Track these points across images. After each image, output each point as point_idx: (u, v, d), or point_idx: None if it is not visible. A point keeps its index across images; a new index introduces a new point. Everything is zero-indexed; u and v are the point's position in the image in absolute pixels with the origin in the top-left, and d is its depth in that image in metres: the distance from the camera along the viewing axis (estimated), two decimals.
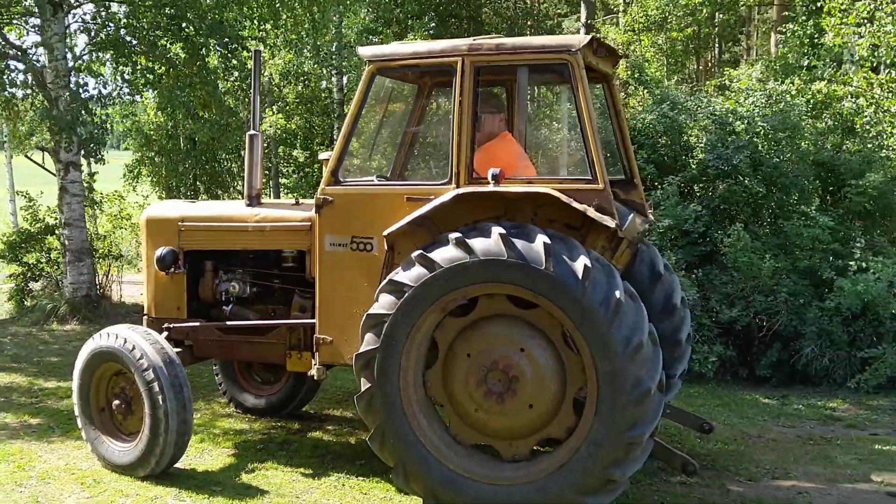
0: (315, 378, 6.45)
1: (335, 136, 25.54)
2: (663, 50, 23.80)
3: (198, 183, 32.70)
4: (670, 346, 6.71)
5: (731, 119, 10.49)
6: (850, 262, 9.46)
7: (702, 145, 10.61)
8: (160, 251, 6.99)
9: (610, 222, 5.37)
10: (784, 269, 9.67)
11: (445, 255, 5.41)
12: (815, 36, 13.73)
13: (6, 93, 12.70)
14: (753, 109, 10.85)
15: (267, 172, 31.39)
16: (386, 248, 5.93)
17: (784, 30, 16.67)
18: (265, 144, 28.10)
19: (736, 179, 10.12)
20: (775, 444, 7.61)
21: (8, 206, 26.21)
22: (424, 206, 5.67)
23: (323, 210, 6.19)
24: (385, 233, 5.81)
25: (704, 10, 19.58)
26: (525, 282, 5.25)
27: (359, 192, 6.21)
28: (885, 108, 11.24)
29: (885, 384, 9.13)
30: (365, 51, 6.17)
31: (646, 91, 12.16)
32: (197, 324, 7.11)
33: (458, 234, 5.42)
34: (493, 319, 5.62)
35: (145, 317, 7.36)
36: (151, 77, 13.45)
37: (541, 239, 5.22)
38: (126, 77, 13.62)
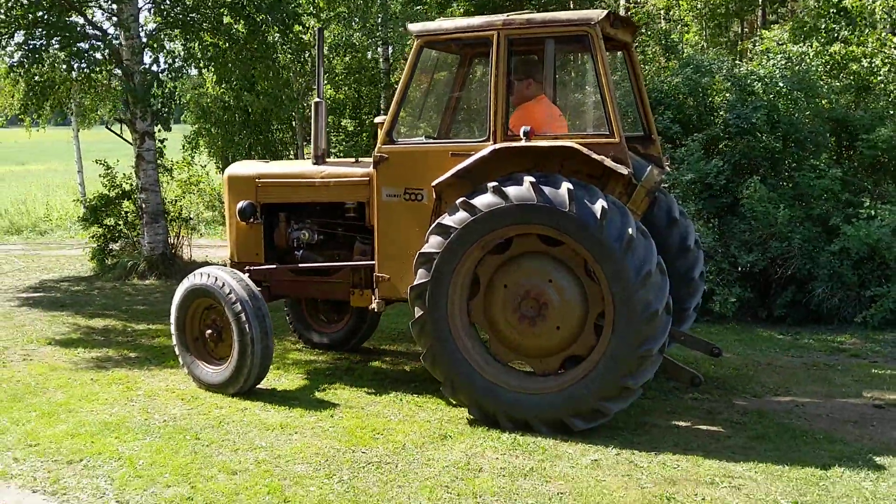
0: (375, 311, 7.52)
1: (382, 105, 26.58)
2: (703, 14, 24.28)
3: (252, 153, 34.08)
4: (685, 282, 7.80)
5: (750, 81, 11.30)
6: (861, 211, 10.26)
7: (725, 106, 11.43)
8: (241, 204, 8.05)
9: (623, 170, 6.33)
10: (798, 217, 10.52)
11: (485, 200, 6.44)
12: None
13: (91, 71, 13.92)
14: (774, 71, 11.64)
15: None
16: (434, 197, 6.93)
17: None
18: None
19: (755, 136, 10.94)
20: (781, 370, 8.55)
21: (76, 178, 27.67)
22: (466, 160, 6.66)
23: (380, 166, 7.18)
24: (433, 183, 6.80)
25: None
26: (552, 222, 6.27)
27: (410, 150, 7.21)
28: None
29: (890, 319, 9.96)
30: (414, 27, 7.13)
31: (672, 55, 12.98)
32: (273, 267, 8.21)
33: (495, 183, 6.42)
34: (526, 256, 6.66)
35: (229, 261, 8.46)
36: (215, 52, 14.61)
37: (565, 185, 6.23)
38: (192, 52, 14.78)
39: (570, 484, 5.59)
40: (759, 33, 17.47)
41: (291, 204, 8.25)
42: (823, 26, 13.82)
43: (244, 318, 7.34)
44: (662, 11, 25.93)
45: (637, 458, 6.04)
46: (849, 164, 11.26)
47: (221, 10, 14.31)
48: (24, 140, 41.97)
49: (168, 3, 14.51)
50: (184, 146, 26.72)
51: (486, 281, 6.80)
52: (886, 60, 12.25)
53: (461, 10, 25.42)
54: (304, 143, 31.49)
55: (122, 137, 16.82)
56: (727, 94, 11.44)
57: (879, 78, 11.75)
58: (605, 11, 6.57)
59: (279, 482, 5.62)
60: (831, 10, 15.12)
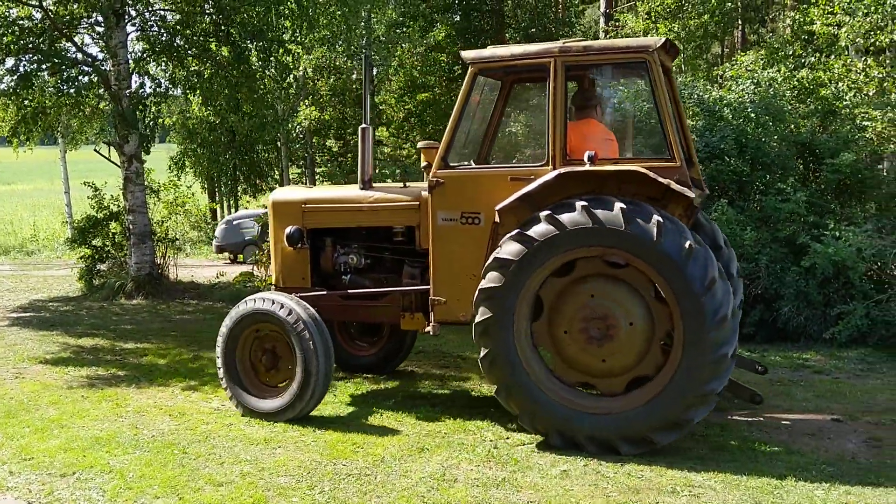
0: (431, 334, 7.51)
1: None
2: (680, 37, 24.83)
3: (237, 173, 34.42)
4: None
5: (719, 107, 11.72)
6: (825, 232, 10.65)
7: (695, 131, 11.84)
8: (289, 229, 8.07)
9: (689, 193, 6.48)
10: (765, 239, 10.91)
11: (539, 230, 6.56)
12: (808, 24, 14.82)
13: (78, 95, 14.26)
14: (743, 96, 12.07)
15: (303, 161, 32.97)
16: (498, 220, 6.93)
17: (791, 17, 17.83)
18: (301, 136, 29.63)
19: (723, 160, 11.35)
20: (747, 385, 8.88)
21: (63, 198, 27.88)
22: (530, 184, 6.72)
23: (435, 190, 7.26)
24: (498, 207, 6.83)
25: (714, 1, 20.58)
26: (609, 242, 6.41)
27: (467, 175, 7.37)
28: (865, 93, 12.41)
29: (855, 337, 10.34)
30: (468, 54, 7.23)
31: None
32: (323, 292, 8.15)
33: (547, 212, 6.55)
34: (591, 278, 6.74)
35: (273, 287, 8.45)
36: (199, 78, 14.97)
37: (618, 205, 6.38)
38: (177, 78, 15.15)
39: (539, 493, 5.90)
40: (736, 56, 17.94)
41: (338, 229, 8.27)
42: (792, 52, 14.29)
43: (310, 343, 7.34)
44: (641, 34, 26.44)
45: (603, 469, 6.35)
46: (815, 187, 11.68)
47: (206, 36, 14.68)
48: (9, 159, 42.06)
49: (154, 29, 14.87)
50: (170, 167, 26.99)
51: (550, 303, 6.86)
52: (852, 86, 12.71)
53: (443, 34, 25.96)
54: (290, 164, 31.91)
55: (109, 160, 17.14)
56: (698, 120, 11.83)
57: (845, 103, 12.20)
58: (663, 39, 6.81)
59: (263, 493, 5.91)
60: (802, 37, 15.64)
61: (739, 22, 27.57)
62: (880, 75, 12.73)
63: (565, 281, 6.79)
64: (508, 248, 6.66)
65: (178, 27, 14.89)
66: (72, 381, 9.24)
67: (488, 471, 6.31)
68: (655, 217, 6.31)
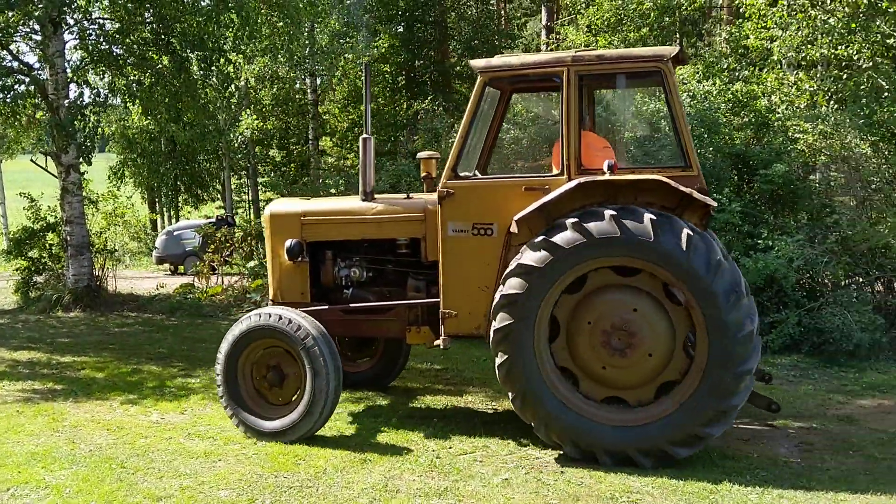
0: (442, 347, 7.35)
1: (311, 135, 26.87)
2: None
3: (178, 183, 34.02)
4: None
5: (655, 119, 11.96)
6: (759, 242, 10.92)
7: (636, 141, 12.07)
8: (289, 242, 7.84)
9: (711, 202, 6.48)
10: None
11: (566, 237, 6.48)
12: (743, 38, 15.19)
13: (14, 104, 13.98)
14: None
15: (245, 171, 32.70)
16: (515, 230, 6.82)
17: (727, 31, 18.28)
18: (243, 146, 29.38)
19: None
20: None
21: None
22: (550, 193, 6.64)
23: (445, 201, 7.12)
24: (517, 217, 6.73)
25: (653, 15, 20.97)
26: (636, 253, 6.37)
27: (479, 185, 7.24)
28: (797, 105, 12.77)
29: (788, 344, 10.60)
30: (477, 63, 7.16)
31: None
32: (325, 307, 7.88)
33: (574, 219, 6.47)
34: (603, 290, 6.68)
35: (270, 302, 8.16)
36: (139, 87, 14.80)
37: (647, 217, 6.33)
38: (117, 87, 14.95)
39: (481, 502, 5.95)
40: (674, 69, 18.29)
41: (339, 241, 8.05)
42: (727, 66, 14.63)
43: (320, 359, 7.10)
44: (582, 46, 26.80)
45: (545, 477, 6.44)
46: (749, 198, 11.96)
47: (146, 46, 14.52)
48: None
49: (93, 38, 14.66)
50: (109, 177, 26.56)
51: (566, 321, 6.80)
52: (784, 99, 13.07)
53: (386, 44, 26.02)
54: (231, 174, 31.63)
55: (46, 170, 16.82)
56: (637, 131, 12.05)
57: (777, 115, 12.52)
58: (677, 48, 6.83)
59: None
60: (738, 51, 16.02)
61: (677, 36, 28.12)
62: (811, 88, 13.12)
63: (579, 296, 6.73)
64: (532, 255, 6.58)
65: (118, 36, 14.70)
66: (6, 396, 9.05)
67: (430, 481, 6.35)
68: (686, 231, 6.30)
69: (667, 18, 21.87)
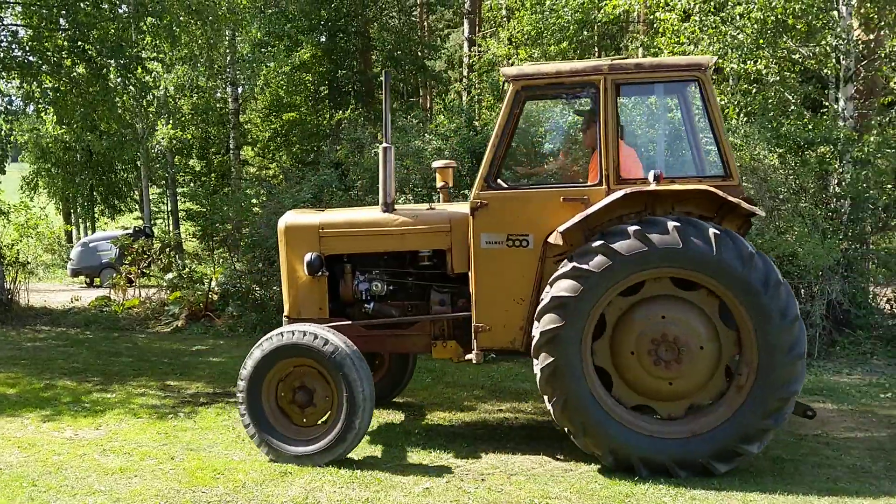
0: (474, 362, 7.20)
1: (231, 145, 26.57)
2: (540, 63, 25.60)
3: (94, 193, 33.23)
4: None
5: (573, 131, 12.17)
6: None
7: (552, 153, 12.26)
8: (309, 256, 7.52)
9: (760, 212, 6.59)
10: None
11: (626, 245, 6.39)
12: (657, 52, 15.57)
13: None
14: None
15: (164, 181, 32.13)
16: (560, 241, 6.69)
17: (643, 45, 18.71)
18: (162, 156, 28.89)
19: None
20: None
21: None
22: (596, 204, 6.58)
23: (478, 212, 6.99)
24: (562, 229, 6.61)
25: (572, 28, 21.34)
26: (695, 266, 6.33)
27: (515, 195, 7.09)
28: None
29: None
30: (509, 71, 7.02)
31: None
32: (347, 322, 7.58)
33: (636, 227, 6.38)
34: (657, 299, 6.61)
35: (286, 318, 7.77)
36: (55, 95, 14.44)
37: (711, 231, 6.30)
38: (31, 95, 14.55)
39: None
40: None
41: (359, 254, 7.77)
42: None
43: (354, 377, 6.79)
44: (503, 59, 27.11)
45: (466, 485, 6.48)
46: None
47: (61, 53, 14.18)
48: None
49: (5, 45, 14.26)
50: (21, 187, 25.82)
51: (613, 321, 6.71)
52: (697, 111, 13.41)
53: (308, 54, 25.90)
54: (150, 185, 31.03)
55: None
56: (553, 143, 12.25)
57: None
58: (714, 57, 6.86)
59: None
60: None
61: (596, 50, 28.66)
62: (722, 102, 13.51)
63: (633, 300, 6.66)
64: (588, 260, 6.46)
65: (32, 42, 14.32)
66: None
67: (352, 492, 6.33)
68: (746, 247, 6.32)
69: (585, 32, 22.28)
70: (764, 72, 12.78)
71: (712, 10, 13.12)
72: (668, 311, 6.57)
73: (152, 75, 16.61)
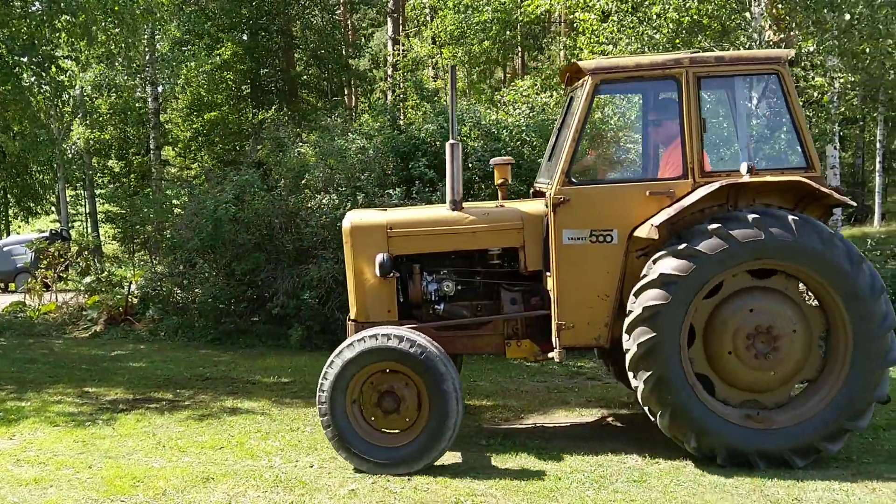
0: (556, 360, 7.17)
1: (152, 145, 26.05)
2: (464, 62, 25.69)
3: (8, 196, 32.21)
4: None
5: (495, 129, 12.27)
6: None
7: (475, 152, 12.32)
8: (381, 257, 7.22)
9: (851, 202, 6.73)
10: None
11: (710, 244, 6.42)
12: (578, 52, 15.81)
13: None
14: (519, 119, 12.70)
15: (81, 182, 31.32)
16: (656, 235, 6.60)
17: (564, 45, 18.98)
18: (79, 157, 28.17)
19: None
20: (527, 395, 9.36)
21: None
22: (689, 197, 6.63)
23: (560, 208, 6.90)
24: (657, 222, 6.55)
25: (494, 28, 21.50)
26: (781, 256, 6.43)
27: (597, 191, 7.03)
28: (629, 116, 13.37)
29: None
30: (587, 64, 7.01)
31: (427, 103, 13.85)
32: (417, 324, 7.32)
33: (717, 225, 6.44)
34: (739, 294, 6.66)
35: (352, 322, 7.50)
36: None
37: (790, 218, 6.42)
38: None
39: None
40: (515, 81, 18.81)
41: (428, 254, 7.56)
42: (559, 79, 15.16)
43: (449, 381, 6.63)
44: (427, 58, 27.17)
45: (392, 486, 6.48)
46: None
47: None
48: None
49: None
50: None
51: (702, 327, 6.71)
52: (616, 111, 13.66)
53: (229, 52, 25.55)
54: (66, 187, 30.21)
55: None
56: (477, 141, 12.31)
57: (610, 126, 13.08)
58: (792, 51, 6.91)
59: None
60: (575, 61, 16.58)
61: (519, 49, 28.93)
62: (641, 100, 13.75)
63: (715, 300, 6.67)
64: (673, 264, 6.49)
65: None
66: None
67: (276, 496, 6.27)
68: (824, 229, 6.47)
69: (508, 32, 22.47)
70: None
71: (630, 10, 13.35)
72: (754, 303, 6.63)
73: (67, 74, 16.15)
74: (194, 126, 27.77)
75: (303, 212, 12.55)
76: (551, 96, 13.60)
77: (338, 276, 11.76)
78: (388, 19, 28.86)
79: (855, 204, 6.85)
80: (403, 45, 27.51)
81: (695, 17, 12.49)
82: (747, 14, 12.53)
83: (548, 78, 15.24)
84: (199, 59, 24.69)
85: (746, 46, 12.40)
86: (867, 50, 11.71)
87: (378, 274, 7.22)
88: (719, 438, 6.56)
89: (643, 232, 6.73)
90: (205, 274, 13.21)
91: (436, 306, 7.49)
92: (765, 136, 7.65)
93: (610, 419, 8.30)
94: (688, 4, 12.38)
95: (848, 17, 11.69)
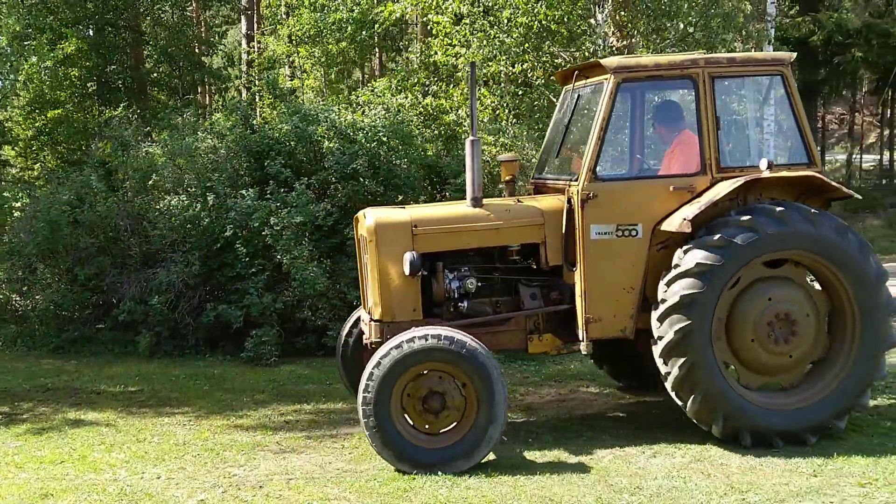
0: (584, 353, 7.38)
1: None
2: (322, 62, 25.42)
3: None
4: None
5: (351, 131, 12.23)
6: None
7: (331, 153, 12.24)
8: (411, 256, 7.13)
9: (857, 195, 7.35)
10: None
11: (741, 234, 6.76)
12: (432, 55, 15.93)
13: None
14: (375, 121, 12.70)
15: None
16: (689, 229, 6.89)
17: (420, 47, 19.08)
18: None
19: (358, 181, 11.85)
20: None
21: None
22: (718, 191, 6.96)
23: (588, 203, 7.11)
24: (690, 215, 6.86)
25: (350, 29, 21.41)
26: (803, 246, 6.89)
27: (625, 186, 7.35)
28: (481, 119, 13.62)
29: None
30: (609, 62, 7.27)
31: (281, 103, 13.68)
32: (458, 321, 7.37)
33: (747, 216, 6.80)
34: (753, 284, 7.04)
35: (375, 323, 7.38)
36: None
37: (811, 211, 6.91)
38: None
39: None
40: (371, 82, 18.79)
41: (451, 252, 7.54)
42: (417, 80, 15.31)
43: (495, 377, 6.67)
44: (284, 57, 26.81)
45: (243, 494, 6.37)
46: None
47: None
48: None
49: None
50: None
51: (724, 317, 7.04)
52: (470, 113, 13.87)
53: (73, 47, 24.44)
54: None
55: None
56: (333, 143, 12.24)
57: (464, 128, 13.28)
58: (794, 53, 7.54)
59: None
60: (429, 66, 16.77)
61: (377, 50, 28.88)
62: (493, 104, 14.05)
63: (735, 291, 7.02)
64: (707, 254, 6.77)
65: None
66: None
67: None
68: (838, 221, 7.01)
69: (364, 33, 22.40)
70: (530, 74, 13.39)
71: (482, 14, 13.58)
72: (770, 292, 7.05)
73: None
74: (36, 124, 26.41)
75: (150, 214, 12.15)
76: (406, 97, 13.65)
77: (188, 280, 11.46)
78: (242, 17, 28.27)
79: (861, 197, 7.54)
80: (259, 42, 27.02)
81: (543, 22, 12.82)
82: (592, 21, 12.96)
83: (403, 80, 15.31)
84: (41, 54, 23.49)
85: (591, 52, 12.82)
86: None
87: (408, 272, 7.19)
88: (744, 421, 6.95)
89: (673, 225, 7.04)
90: (46, 280, 12.57)
91: (459, 304, 7.54)
92: (772, 133, 8.23)
93: None
94: (536, 10, 12.69)
95: (682, 25, 12.29)
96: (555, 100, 13.61)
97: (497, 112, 13.66)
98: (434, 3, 14.39)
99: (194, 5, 30.39)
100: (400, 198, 12.07)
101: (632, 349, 8.05)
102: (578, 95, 8.01)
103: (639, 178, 7.76)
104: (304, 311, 11.17)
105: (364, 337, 7.77)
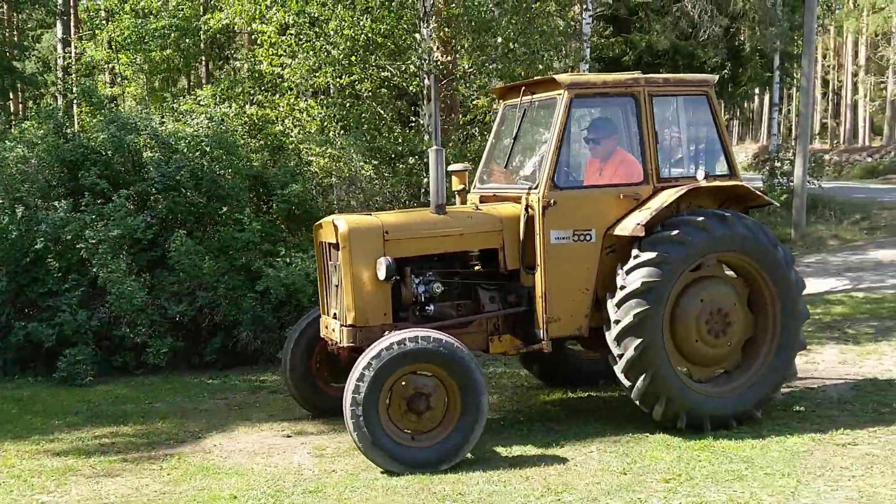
0: (545, 350, 7.78)
1: None
2: (144, 69, 24.53)
3: None
4: None
5: (173, 140, 11.87)
6: (278, 259, 11.33)
7: (152, 163, 11.83)
8: (386, 261, 7.33)
9: (776, 203, 7.94)
10: (223, 268, 11.25)
11: (695, 234, 7.43)
12: (258, 64, 15.71)
13: None
14: (198, 130, 12.37)
15: None
16: (642, 233, 7.42)
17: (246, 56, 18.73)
18: None
19: (180, 192, 11.50)
20: (207, 413, 9.07)
21: None
22: (670, 197, 7.55)
23: (548, 210, 7.55)
24: (643, 220, 7.42)
25: (173, 36, 20.80)
26: (744, 249, 7.63)
27: (580, 194, 7.90)
28: (308, 130, 13.55)
29: None
30: (563, 78, 7.78)
31: (98, 111, 13.12)
32: (438, 324, 7.62)
33: (702, 218, 7.48)
34: (686, 290, 7.67)
35: (347, 328, 7.46)
36: None
37: (751, 221, 7.77)
38: None
39: None
40: (195, 90, 18.30)
41: (418, 257, 7.80)
42: (242, 89, 15.05)
43: (476, 374, 6.94)
44: (103, 63, 25.73)
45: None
46: (267, 217, 12.40)
47: None
48: None
49: None
50: None
51: (669, 321, 7.62)
52: (297, 123, 13.77)
53: None
54: None
55: None
56: (153, 152, 11.83)
57: (291, 138, 13.15)
58: (716, 76, 8.51)
59: None
60: (255, 73, 16.52)
61: (203, 58, 28.14)
62: (321, 115, 13.99)
63: (674, 295, 7.61)
64: (667, 248, 7.38)
65: None
66: None
67: None
68: (771, 233, 7.90)
69: (188, 40, 21.79)
70: (358, 87, 13.43)
71: (308, 25, 13.51)
72: (701, 293, 7.71)
73: None
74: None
75: None
76: (230, 107, 13.38)
77: None
78: (58, 20, 26.91)
79: (778, 205, 8.57)
80: (77, 47, 25.78)
81: (370, 35, 12.89)
82: (417, 35, 13.12)
83: (227, 88, 15.00)
84: None
85: (417, 66, 12.99)
86: (522, 74, 12.75)
87: (382, 277, 7.42)
88: (684, 404, 7.51)
89: (627, 230, 7.57)
90: None
91: (426, 307, 7.82)
92: (698, 147, 8.98)
93: (288, 433, 8.28)
94: (362, 23, 12.74)
95: (500, 40, 12.66)
96: (383, 112, 13.74)
97: (325, 123, 13.61)
98: (258, 12, 14.19)
99: (5, 7, 28.71)
100: (224, 209, 11.82)
101: (560, 351, 8.85)
102: (525, 111, 8.46)
103: (593, 188, 8.23)
104: (122, 327, 10.73)
105: (330, 343, 7.96)
